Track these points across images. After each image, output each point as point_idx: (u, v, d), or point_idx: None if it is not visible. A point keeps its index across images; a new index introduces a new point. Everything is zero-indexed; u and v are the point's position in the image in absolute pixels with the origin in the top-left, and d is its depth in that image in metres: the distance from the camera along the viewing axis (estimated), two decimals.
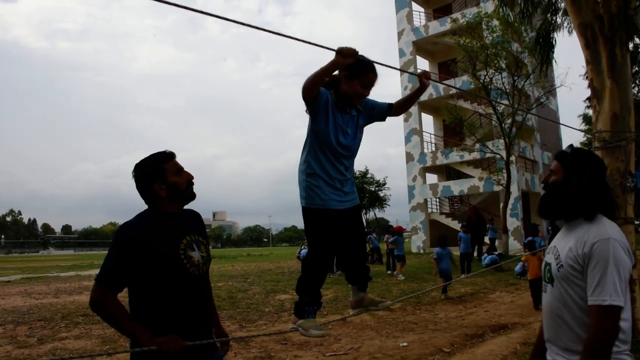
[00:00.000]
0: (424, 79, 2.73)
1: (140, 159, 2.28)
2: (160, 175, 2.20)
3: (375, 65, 2.63)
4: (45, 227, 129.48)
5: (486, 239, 21.05)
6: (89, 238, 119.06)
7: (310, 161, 2.62)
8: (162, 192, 2.21)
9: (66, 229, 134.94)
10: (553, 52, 7.97)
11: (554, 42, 7.82)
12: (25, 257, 60.37)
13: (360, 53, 2.42)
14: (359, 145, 2.76)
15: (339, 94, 2.61)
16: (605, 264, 1.77)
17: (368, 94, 2.67)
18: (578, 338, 1.85)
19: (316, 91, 2.48)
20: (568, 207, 1.97)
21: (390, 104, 2.88)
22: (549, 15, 7.70)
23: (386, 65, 2.79)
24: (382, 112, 2.84)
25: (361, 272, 2.88)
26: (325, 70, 2.39)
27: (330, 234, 2.63)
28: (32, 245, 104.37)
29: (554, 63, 8.25)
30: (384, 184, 40.19)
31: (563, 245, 1.96)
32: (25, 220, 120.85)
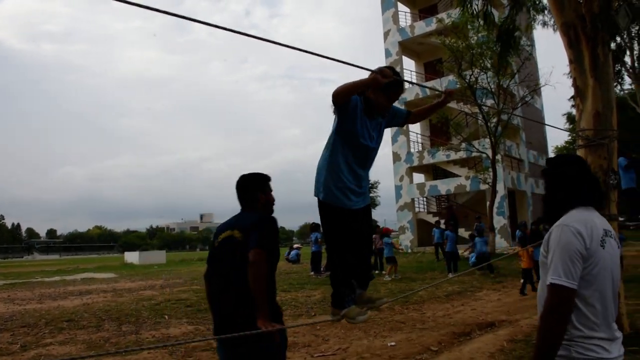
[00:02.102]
0: (448, 96, 2.99)
1: (248, 172, 2.98)
2: (264, 189, 2.95)
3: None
4: (30, 231, 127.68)
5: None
6: (74, 242, 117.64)
7: (333, 159, 2.78)
8: (261, 201, 2.91)
9: (51, 233, 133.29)
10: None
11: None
12: (9, 262, 59.46)
13: (394, 70, 2.74)
14: (378, 148, 2.98)
15: (367, 101, 2.80)
16: (554, 248, 1.92)
17: (390, 106, 2.93)
18: None
19: (348, 99, 2.67)
20: (551, 213, 2.18)
21: (409, 112, 3.12)
22: (533, 12, 7.80)
23: (412, 83, 3.00)
24: (401, 118, 3.09)
25: (364, 270, 3.02)
26: (363, 85, 2.63)
27: (344, 227, 2.81)
28: (16, 250, 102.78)
29: (537, 61, 8.36)
30: (374, 185, 40.09)
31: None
32: (9, 225, 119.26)
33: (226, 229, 2.86)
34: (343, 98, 2.64)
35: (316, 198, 2.91)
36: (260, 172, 3.01)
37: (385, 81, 2.59)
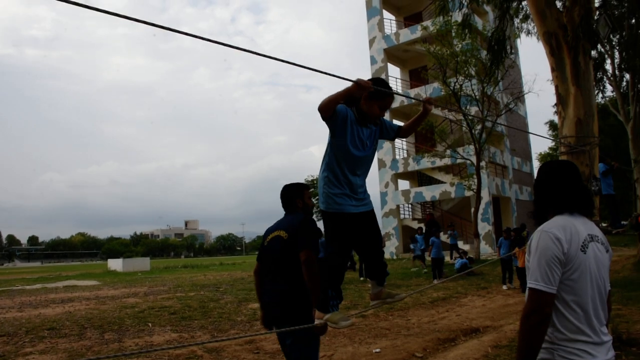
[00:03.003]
0: (427, 105, 3.13)
1: (289, 183, 3.56)
2: (302, 196, 3.48)
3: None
4: (10, 238, 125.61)
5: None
6: (57, 249, 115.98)
7: (329, 171, 2.94)
8: (299, 205, 3.47)
9: (33, 240, 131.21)
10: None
11: (511, 48, 8.05)
12: None
13: (383, 81, 2.94)
14: (374, 155, 3.13)
15: (360, 111, 2.94)
16: (533, 253, 1.97)
17: (383, 115, 3.05)
18: None
19: (331, 111, 2.77)
20: (537, 218, 2.23)
21: (400, 127, 3.28)
22: (502, 20, 7.89)
23: (397, 94, 3.25)
24: (392, 132, 3.22)
25: (379, 267, 3.21)
26: (341, 96, 2.72)
27: (345, 234, 2.96)
28: None
29: (521, 69, 8.48)
30: None
31: None
32: None
33: (274, 230, 3.41)
34: (327, 111, 2.75)
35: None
36: (299, 182, 3.59)
37: (364, 92, 2.77)
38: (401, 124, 3.44)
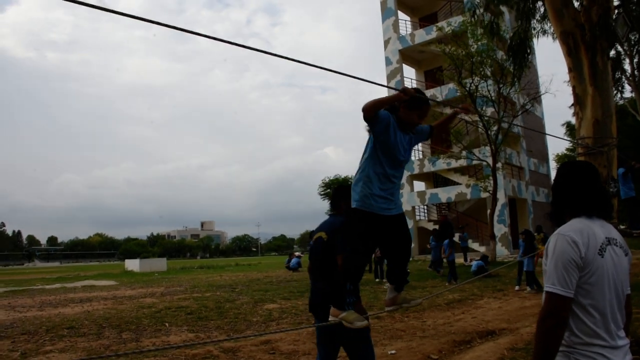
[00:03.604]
0: (459, 110, 3.37)
1: (340, 185, 3.64)
2: (347, 199, 3.32)
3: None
4: (30, 238, 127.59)
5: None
6: (75, 250, 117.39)
7: (368, 172, 3.03)
8: (343, 207, 3.54)
9: (52, 240, 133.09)
10: (527, 58, 8.12)
11: (529, 49, 7.96)
12: (9, 269, 59.42)
13: (420, 91, 3.08)
14: (408, 161, 3.33)
15: (399, 119, 3.08)
16: (550, 256, 1.95)
17: (421, 122, 3.21)
18: None
19: (373, 113, 2.90)
20: (555, 221, 2.20)
21: (432, 127, 3.45)
22: (524, 21, 7.81)
23: (436, 101, 3.29)
24: (426, 134, 3.40)
25: (401, 273, 3.29)
26: (388, 101, 2.92)
27: (373, 234, 3.03)
28: (17, 257, 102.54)
29: (537, 70, 8.41)
30: None
31: None
32: (10, 232, 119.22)
33: (318, 231, 3.61)
34: (370, 112, 2.87)
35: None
36: (348, 185, 3.59)
37: (407, 97, 2.90)
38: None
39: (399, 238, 3.16)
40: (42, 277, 28.09)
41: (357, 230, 3.05)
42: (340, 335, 3.31)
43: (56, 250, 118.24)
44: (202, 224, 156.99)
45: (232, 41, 2.23)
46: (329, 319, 3.07)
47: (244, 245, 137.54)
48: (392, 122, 3.00)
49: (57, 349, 7.04)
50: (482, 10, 8.82)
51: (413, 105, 3.04)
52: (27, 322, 9.47)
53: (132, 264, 33.21)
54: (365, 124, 2.99)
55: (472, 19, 8.88)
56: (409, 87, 3.07)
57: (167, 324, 8.69)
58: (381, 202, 3.01)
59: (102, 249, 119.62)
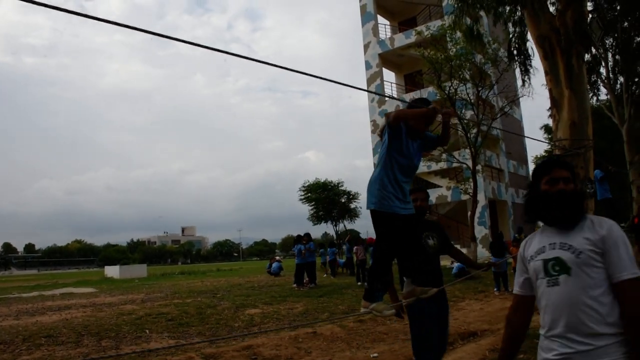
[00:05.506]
0: (443, 116, 3.47)
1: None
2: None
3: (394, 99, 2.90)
4: (7, 246, 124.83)
5: None
6: (53, 257, 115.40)
7: (385, 174, 3.25)
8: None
9: (29, 247, 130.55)
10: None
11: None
12: None
13: (427, 100, 3.40)
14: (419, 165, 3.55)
15: (408, 126, 3.29)
16: (624, 242, 1.87)
17: (428, 129, 3.46)
18: (602, 320, 1.86)
19: (399, 124, 3.20)
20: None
21: (438, 137, 3.61)
22: (510, 25, 7.91)
23: (439, 110, 3.39)
24: (433, 142, 3.57)
25: (414, 266, 3.66)
26: (420, 116, 3.23)
27: (393, 232, 3.26)
28: None
29: (516, 73, 8.49)
30: (355, 196, 39.46)
31: (569, 239, 2.01)
32: None
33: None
34: (397, 122, 3.17)
35: (368, 211, 3.37)
36: None
37: (434, 117, 3.23)
38: None
39: (412, 235, 3.46)
40: (19, 286, 27.52)
41: (380, 230, 3.31)
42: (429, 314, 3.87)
43: (34, 258, 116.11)
44: (183, 230, 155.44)
45: (215, 47, 2.22)
46: (362, 311, 3.35)
47: (225, 251, 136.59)
48: (403, 130, 3.25)
49: (35, 358, 6.89)
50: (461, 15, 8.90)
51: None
52: (3, 331, 9.24)
53: (112, 271, 32.76)
54: (381, 131, 3.30)
55: (451, 24, 8.97)
56: (432, 103, 3.35)
57: (147, 331, 8.57)
58: (398, 202, 3.24)
59: (81, 256, 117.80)
